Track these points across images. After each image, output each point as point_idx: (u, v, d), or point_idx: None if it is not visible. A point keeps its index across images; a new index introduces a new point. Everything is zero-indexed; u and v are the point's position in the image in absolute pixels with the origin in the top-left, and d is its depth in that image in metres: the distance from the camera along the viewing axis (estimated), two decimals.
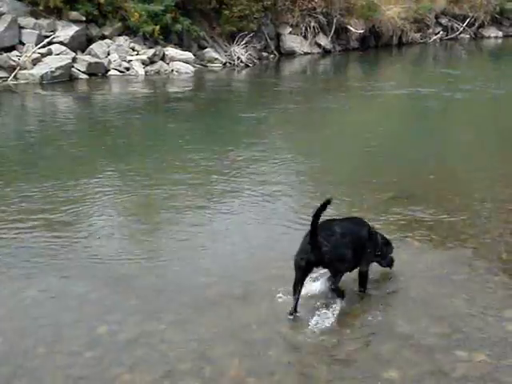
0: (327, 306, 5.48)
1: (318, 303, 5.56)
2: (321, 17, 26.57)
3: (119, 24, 21.05)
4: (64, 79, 18.35)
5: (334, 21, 26.82)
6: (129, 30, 21.16)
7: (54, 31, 19.67)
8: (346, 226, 5.66)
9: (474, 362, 4.80)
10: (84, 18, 20.37)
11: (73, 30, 19.85)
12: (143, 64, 20.38)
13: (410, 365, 4.77)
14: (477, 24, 34.37)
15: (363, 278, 5.84)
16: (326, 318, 5.36)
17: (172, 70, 20.67)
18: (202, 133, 12.84)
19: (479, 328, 5.22)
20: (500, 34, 35.77)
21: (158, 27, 20.97)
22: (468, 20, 33.77)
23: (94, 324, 5.37)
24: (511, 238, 7.05)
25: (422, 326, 5.28)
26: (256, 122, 13.95)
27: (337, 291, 5.48)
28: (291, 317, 5.42)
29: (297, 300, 5.43)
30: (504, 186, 9.05)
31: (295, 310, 5.44)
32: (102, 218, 7.83)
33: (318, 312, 5.43)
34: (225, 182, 9.24)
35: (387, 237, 6.12)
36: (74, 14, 20.20)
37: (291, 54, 25.95)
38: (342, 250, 5.42)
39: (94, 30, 20.65)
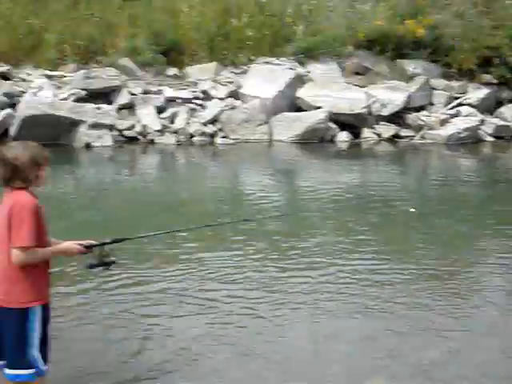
0: None
1: None
2: None
3: None
4: (470, 141, 18.23)
5: None
6: None
7: (464, 93, 19.85)
8: None
9: None
10: (496, 81, 20.24)
11: (483, 92, 19.80)
12: None
13: None
14: None
15: None
16: None
17: None
18: None
19: None
20: None
21: None
22: None
23: None
24: None
25: None
26: None
27: None
28: None
29: None
30: None
31: None
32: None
33: None
34: None
35: None
36: (486, 77, 20.20)
37: None
38: None
39: (504, 93, 20.36)
